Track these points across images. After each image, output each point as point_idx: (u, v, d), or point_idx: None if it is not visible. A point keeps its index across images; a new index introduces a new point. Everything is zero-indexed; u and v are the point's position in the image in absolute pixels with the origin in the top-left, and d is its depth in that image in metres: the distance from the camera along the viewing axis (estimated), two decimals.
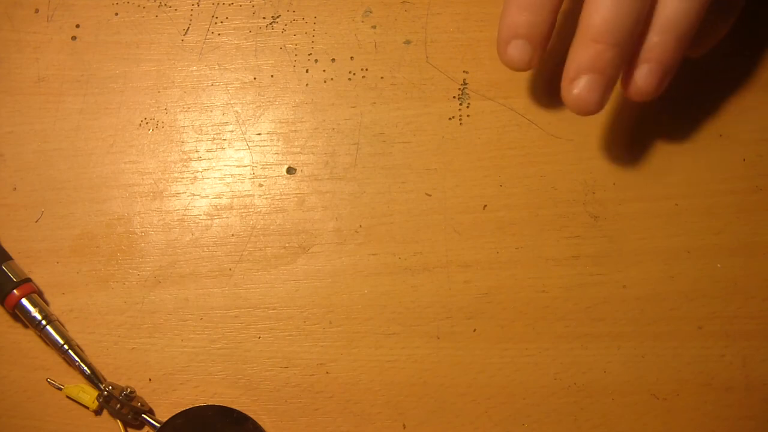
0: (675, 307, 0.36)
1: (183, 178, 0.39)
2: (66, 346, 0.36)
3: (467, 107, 0.39)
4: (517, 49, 0.35)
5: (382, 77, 0.40)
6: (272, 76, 0.40)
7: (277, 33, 0.41)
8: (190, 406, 0.36)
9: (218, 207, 0.39)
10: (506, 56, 0.35)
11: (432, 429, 0.36)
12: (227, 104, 0.40)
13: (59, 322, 0.37)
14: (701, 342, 0.36)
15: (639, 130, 0.38)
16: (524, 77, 0.39)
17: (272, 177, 0.39)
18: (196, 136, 0.40)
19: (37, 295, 0.37)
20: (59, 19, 0.41)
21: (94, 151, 0.39)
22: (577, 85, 0.33)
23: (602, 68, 0.33)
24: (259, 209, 0.39)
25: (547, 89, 0.39)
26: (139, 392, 0.36)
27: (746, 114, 0.38)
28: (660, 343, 0.36)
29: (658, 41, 0.33)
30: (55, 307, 0.37)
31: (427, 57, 0.40)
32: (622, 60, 0.33)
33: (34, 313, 0.36)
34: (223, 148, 0.39)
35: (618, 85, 0.35)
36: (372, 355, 0.37)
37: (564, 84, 0.34)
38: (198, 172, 0.39)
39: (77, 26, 0.41)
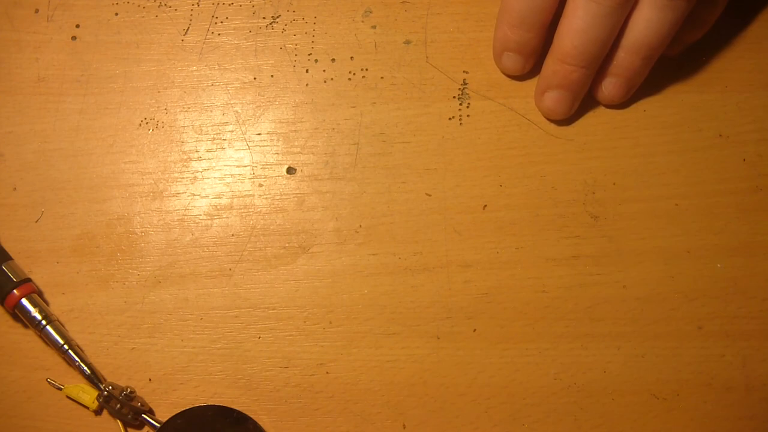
0: (675, 307, 0.36)
1: (183, 178, 0.39)
2: (66, 346, 0.36)
3: (467, 107, 0.39)
4: (510, 60, 0.38)
5: (382, 77, 0.40)
6: (272, 76, 0.40)
7: (277, 33, 0.41)
8: (190, 406, 0.36)
9: (218, 207, 0.39)
10: (500, 65, 0.39)
11: (432, 429, 0.36)
12: (227, 104, 0.40)
13: (59, 322, 0.37)
14: (701, 342, 0.36)
15: (639, 131, 0.38)
16: (524, 77, 0.39)
17: (272, 177, 0.39)
18: (196, 136, 0.40)
19: (37, 295, 0.37)
20: (59, 19, 0.41)
21: (94, 151, 0.39)
22: (548, 97, 0.37)
23: (569, 86, 0.37)
24: (259, 209, 0.39)
25: None
26: (139, 392, 0.36)
27: (746, 114, 0.38)
28: (660, 343, 0.36)
29: (625, 59, 0.37)
30: (55, 307, 0.37)
31: (427, 57, 0.40)
32: (589, 78, 0.38)
33: (34, 313, 0.36)
34: (223, 148, 0.39)
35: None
36: (372, 355, 0.37)
37: (536, 93, 0.38)
38: (198, 172, 0.39)
39: (77, 26, 0.41)
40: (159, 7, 0.41)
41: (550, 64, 0.37)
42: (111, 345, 0.37)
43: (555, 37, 0.36)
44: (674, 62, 0.39)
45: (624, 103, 0.38)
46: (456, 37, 0.40)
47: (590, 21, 0.34)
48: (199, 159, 0.39)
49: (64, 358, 0.36)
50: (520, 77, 0.39)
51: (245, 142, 0.39)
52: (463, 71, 0.40)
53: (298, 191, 0.39)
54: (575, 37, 0.35)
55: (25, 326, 0.37)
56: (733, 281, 0.37)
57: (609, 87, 0.37)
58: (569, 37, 0.35)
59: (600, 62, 0.36)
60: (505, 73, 0.39)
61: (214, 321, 0.37)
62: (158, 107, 0.40)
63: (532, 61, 0.38)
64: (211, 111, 0.40)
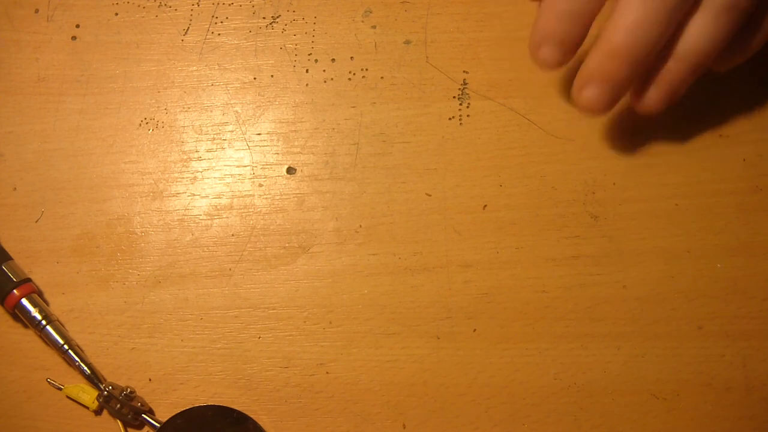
0: (675, 307, 0.36)
1: (183, 178, 0.39)
2: (66, 346, 0.36)
3: (467, 107, 0.39)
4: (549, 53, 0.34)
5: (382, 77, 0.40)
6: (272, 76, 0.40)
7: (277, 33, 0.41)
8: (190, 406, 0.36)
9: (218, 207, 0.39)
10: (537, 57, 0.35)
11: (432, 429, 0.36)
12: (227, 104, 0.40)
13: (59, 322, 0.37)
14: (701, 342, 0.36)
15: (639, 131, 0.38)
16: (524, 77, 0.39)
17: (272, 177, 0.39)
18: (196, 136, 0.40)
19: (37, 295, 0.37)
20: (59, 19, 0.41)
21: (94, 151, 0.39)
22: (588, 91, 0.34)
23: (614, 82, 0.34)
24: (259, 209, 0.39)
25: (547, 89, 0.39)
26: (139, 392, 0.36)
27: (746, 114, 0.38)
28: (660, 343, 0.36)
29: (674, 68, 0.33)
30: (55, 307, 0.37)
31: (427, 57, 0.40)
32: (635, 76, 0.34)
33: (34, 313, 0.36)
34: (223, 148, 0.39)
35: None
36: (372, 355, 0.37)
37: (575, 87, 0.35)
38: (198, 172, 0.39)
39: (77, 26, 0.41)
40: (159, 7, 0.41)
41: (595, 58, 0.34)
42: (111, 345, 0.37)
43: (604, 28, 0.33)
44: None
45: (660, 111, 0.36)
46: (456, 37, 0.40)
47: (646, 17, 0.32)
48: (199, 159, 0.39)
49: (64, 358, 0.36)
50: (521, 77, 0.39)
51: (245, 142, 0.39)
52: (463, 71, 0.40)
53: (298, 191, 0.39)
54: (628, 33, 0.32)
55: (25, 326, 0.37)
56: (733, 281, 0.37)
57: (652, 95, 0.35)
58: (621, 31, 0.32)
59: (649, 63, 0.34)
60: (539, 67, 0.35)
61: (214, 321, 0.37)
62: (158, 107, 0.40)
63: (571, 57, 0.35)
64: (211, 111, 0.40)
